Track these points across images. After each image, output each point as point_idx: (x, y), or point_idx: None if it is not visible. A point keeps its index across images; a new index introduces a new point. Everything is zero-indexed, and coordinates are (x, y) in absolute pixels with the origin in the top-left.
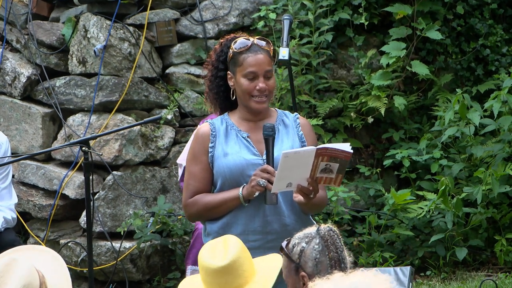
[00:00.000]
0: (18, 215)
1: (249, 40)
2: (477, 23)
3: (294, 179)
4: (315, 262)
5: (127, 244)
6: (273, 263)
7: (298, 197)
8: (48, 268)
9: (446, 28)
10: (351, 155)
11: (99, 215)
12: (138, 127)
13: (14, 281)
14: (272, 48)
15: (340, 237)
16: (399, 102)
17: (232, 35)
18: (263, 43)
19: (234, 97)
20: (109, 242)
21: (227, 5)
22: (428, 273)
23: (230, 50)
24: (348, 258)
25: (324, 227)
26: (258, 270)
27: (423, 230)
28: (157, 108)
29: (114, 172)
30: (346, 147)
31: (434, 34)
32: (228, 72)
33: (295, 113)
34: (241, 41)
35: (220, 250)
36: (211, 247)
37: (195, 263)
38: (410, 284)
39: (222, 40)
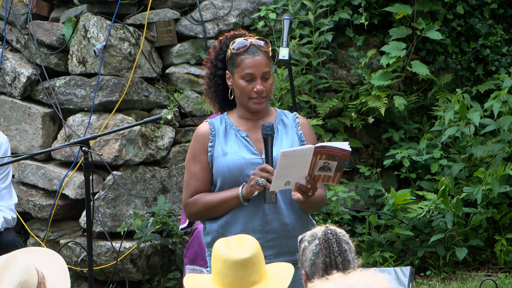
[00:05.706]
0: (18, 215)
1: (247, 40)
2: (477, 23)
3: (293, 177)
4: (310, 263)
5: (127, 244)
6: (285, 271)
7: (297, 195)
8: (51, 270)
9: (446, 28)
10: (349, 154)
11: (99, 215)
12: (138, 127)
13: (10, 278)
14: (270, 48)
15: (341, 242)
16: (399, 102)
17: (232, 32)
18: (261, 43)
19: (232, 97)
20: (109, 242)
21: (227, 5)
22: (428, 273)
23: (228, 50)
24: (356, 261)
25: (330, 229)
26: (269, 273)
27: (423, 230)
28: (157, 108)
29: (114, 172)
30: (345, 145)
31: (434, 34)
32: (227, 71)
33: (295, 112)
34: (239, 41)
35: (237, 245)
36: (226, 242)
37: (192, 262)
38: (410, 284)
39: (221, 38)
